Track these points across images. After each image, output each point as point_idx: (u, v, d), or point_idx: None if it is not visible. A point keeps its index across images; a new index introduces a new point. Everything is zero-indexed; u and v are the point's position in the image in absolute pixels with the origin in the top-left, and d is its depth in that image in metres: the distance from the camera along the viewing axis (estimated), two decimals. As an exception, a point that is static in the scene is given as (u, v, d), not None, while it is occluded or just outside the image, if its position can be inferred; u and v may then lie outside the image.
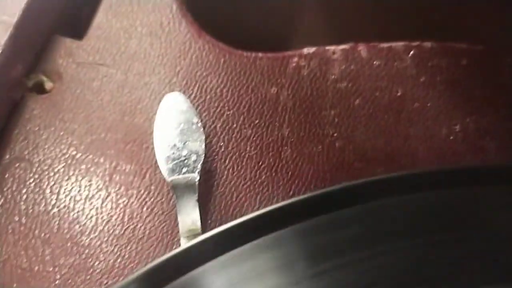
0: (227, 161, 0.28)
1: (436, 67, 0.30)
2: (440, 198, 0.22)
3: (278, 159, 0.28)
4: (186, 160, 0.25)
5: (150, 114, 0.28)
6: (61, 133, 0.28)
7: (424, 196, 0.22)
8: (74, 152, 0.28)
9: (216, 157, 0.28)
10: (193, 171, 0.25)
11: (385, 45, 0.31)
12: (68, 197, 0.27)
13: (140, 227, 0.26)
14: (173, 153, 0.25)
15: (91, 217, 0.26)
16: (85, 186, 0.27)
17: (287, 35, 0.49)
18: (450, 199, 0.22)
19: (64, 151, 0.28)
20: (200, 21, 0.31)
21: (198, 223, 0.24)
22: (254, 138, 0.28)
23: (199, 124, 0.26)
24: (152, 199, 0.26)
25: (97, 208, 0.26)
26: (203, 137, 0.26)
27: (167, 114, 0.26)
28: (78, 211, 0.26)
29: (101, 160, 0.27)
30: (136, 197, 0.26)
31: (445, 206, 0.22)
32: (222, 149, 0.28)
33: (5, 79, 0.28)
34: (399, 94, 0.29)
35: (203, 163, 0.26)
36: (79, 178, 0.27)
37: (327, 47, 0.30)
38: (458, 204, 0.22)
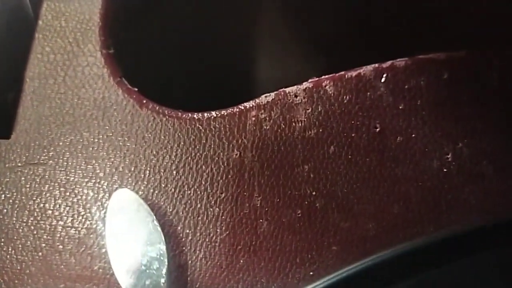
0: (197, 251, 0.24)
1: (415, 89, 0.26)
2: None
3: (255, 235, 0.24)
4: (148, 270, 0.22)
5: (99, 220, 0.25)
6: None
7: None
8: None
9: (183, 249, 0.24)
10: (157, 279, 0.22)
11: (352, 73, 0.27)
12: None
13: None
14: (132, 264, 0.22)
15: None
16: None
17: (240, 83, 0.46)
18: None
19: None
20: (137, 86, 0.27)
21: None
22: (223, 217, 0.25)
23: (155, 222, 0.23)
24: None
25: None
26: (161, 236, 0.23)
27: (117, 218, 0.23)
28: None
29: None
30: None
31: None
32: (190, 237, 0.24)
33: None
34: (378, 129, 0.26)
35: (168, 263, 0.22)
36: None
37: (288, 90, 0.27)
38: None
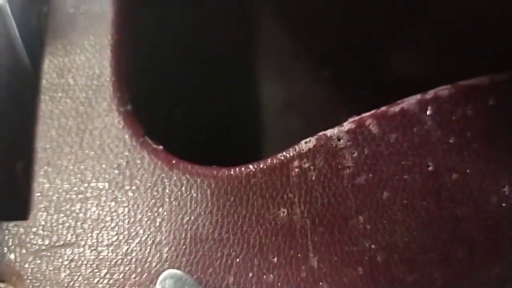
0: (256, 327, 0.22)
1: (463, 120, 0.25)
2: None
3: (316, 301, 0.22)
4: None
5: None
6: None
7: None
8: None
9: (241, 325, 0.22)
10: None
11: (395, 108, 0.25)
12: None
13: None
14: None
15: None
16: None
17: (246, 103, 0.43)
18: None
19: None
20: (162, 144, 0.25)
21: None
22: (280, 284, 0.22)
23: (212, 304, 0.21)
24: None
25: None
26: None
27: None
28: None
29: None
30: None
31: None
32: (246, 311, 0.22)
33: None
34: (431, 168, 0.24)
35: None
36: None
37: (329, 134, 0.24)
38: None
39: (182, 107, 0.39)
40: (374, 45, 0.43)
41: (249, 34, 0.45)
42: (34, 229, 0.24)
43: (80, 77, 0.25)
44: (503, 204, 0.24)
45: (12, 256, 0.23)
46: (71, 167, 0.24)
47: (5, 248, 0.24)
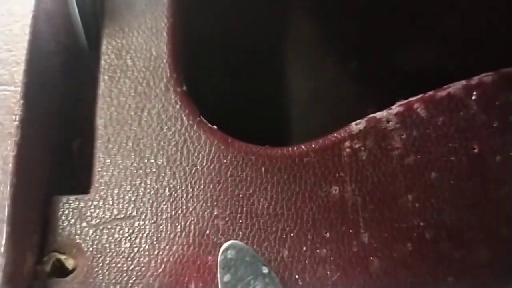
0: (311, 298, 0.23)
1: (506, 105, 0.26)
2: None
3: (367, 275, 0.23)
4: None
5: (207, 272, 0.23)
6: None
7: None
8: None
9: (297, 296, 0.23)
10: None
11: (442, 93, 0.26)
12: None
13: None
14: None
15: None
16: None
17: (277, 94, 0.44)
18: None
19: None
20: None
21: None
22: (332, 258, 0.23)
23: (272, 274, 0.21)
24: None
25: None
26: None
27: (230, 275, 0.21)
28: None
29: None
30: None
31: None
32: (300, 283, 0.23)
33: (19, 279, 0.22)
34: (476, 151, 0.25)
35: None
36: None
37: (378, 116, 0.25)
38: None
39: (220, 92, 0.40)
40: (400, 40, 0.44)
41: (281, 28, 0.46)
42: (95, 203, 0.24)
43: (138, 59, 0.26)
44: (545, 184, 0.25)
45: (72, 229, 0.24)
46: (131, 144, 0.25)
47: (65, 222, 0.24)
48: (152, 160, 0.25)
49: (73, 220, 0.25)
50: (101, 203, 0.25)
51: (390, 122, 0.25)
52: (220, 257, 0.22)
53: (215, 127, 0.26)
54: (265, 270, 0.22)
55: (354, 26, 0.46)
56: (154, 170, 0.25)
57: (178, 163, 0.25)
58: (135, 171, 0.25)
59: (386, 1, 0.44)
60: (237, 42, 0.42)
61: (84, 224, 0.24)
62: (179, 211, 0.24)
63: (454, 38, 0.43)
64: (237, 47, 0.42)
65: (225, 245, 0.22)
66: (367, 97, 0.48)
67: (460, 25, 0.42)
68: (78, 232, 0.24)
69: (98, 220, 0.24)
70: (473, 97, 0.26)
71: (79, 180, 0.26)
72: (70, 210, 0.25)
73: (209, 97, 0.40)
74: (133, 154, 0.25)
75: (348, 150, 0.25)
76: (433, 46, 0.44)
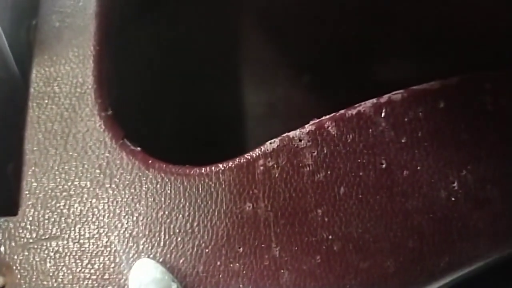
0: (222, 310, 0.24)
1: (414, 121, 0.27)
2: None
3: (278, 287, 0.24)
4: None
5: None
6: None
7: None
8: None
9: (209, 309, 0.24)
10: None
11: (352, 111, 0.27)
12: None
13: None
14: (162, 337, 0.22)
15: None
16: None
17: (229, 109, 0.45)
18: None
19: None
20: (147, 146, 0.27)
21: None
22: (245, 272, 0.25)
23: (180, 289, 0.23)
24: None
25: None
26: (190, 304, 0.23)
27: (141, 290, 0.22)
28: None
29: None
30: None
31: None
32: (213, 297, 0.24)
33: None
34: (384, 165, 0.26)
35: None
36: None
37: (291, 135, 0.27)
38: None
39: (167, 112, 0.41)
40: (353, 53, 0.45)
41: (232, 41, 0.47)
42: (22, 224, 0.26)
43: (65, 85, 0.28)
44: (452, 198, 0.26)
45: (2, 249, 0.26)
46: (56, 167, 0.27)
47: (-3, 242, 0.26)
48: (77, 182, 0.26)
49: (3, 240, 0.26)
50: (28, 224, 0.26)
51: (302, 141, 0.27)
52: (130, 276, 0.23)
53: (138, 148, 0.27)
54: (173, 286, 0.23)
55: (306, 39, 0.47)
56: (78, 192, 0.26)
57: (101, 184, 0.26)
58: (60, 193, 0.26)
59: (337, 13, 0.46)
60: (186, 59, 0.44)
61: (13, 243, 0.26)
62: (101, 231, 0.26)
63: (408, 51, 0.44)
64: (187, 64, 0.43)
65: (136, 263, 0.24)
66: (321, 109, 0.50)
67: (414, 38, 0.43)
68: (8, 251, 0.26)
69: (25, 240, 0.26)
70: (382, 115, 0.27)
71: (14, 201, 0.27)
72: (0, 230, 0.26)
73: (159, 116, 0.41)
74: (58, 177, 0.27)
75: (261, 168, 0.26)
76: (387, 58, 0.46)
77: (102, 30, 0.28)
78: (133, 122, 0.30)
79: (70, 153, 0.27)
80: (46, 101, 0.28)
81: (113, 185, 0.26)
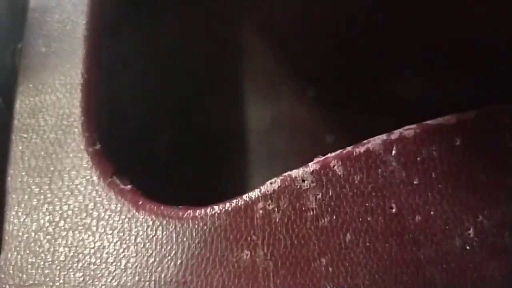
0: None
1: (428, 160, 0.24)
2: None
3: None
4: None
5: None
6: None
7: None
8: None
9: None
10: None
11: (360, 149, 0.25)
12: None
13: None
14: None
15: None
16: None
17: (231, 124, 0.43)
18: None
19: None
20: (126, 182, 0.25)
21: None
22: (241, 326, 0.22)
23: None
24: None
25: None
26: None
27: None
28: None
29: None
30: None
31: None
32: None
33: None
34: (394, 210, 0.24)
35: None
36: None
37: (294, 174, 0.24)
38: None
39: (163, 132, 0.39)
40: (360, 67, 0.43)
41: (234, 53, 0.45)
42: (5, 269, 0.24)
43: (50, 117, 0.25)
44: (467, 247, 0.24)
45: (-18, 297, 0.24)
46: (40, 208, 0.25)
47: (-23, 286, 0.24)
48: (62, 225, 0.24)
49: (-16, 285, 0.24)
50: (10, 269, 0.24)
51: (305, 181, 0.24)
52: (117, 334, 0.21)
53: (128, 186, 0.25)
54: None
55: (312, 51, 0.45)
56: (63, 235, 0.24)
57: (87, 227, 0.24)
58: (44, 237, 0.24)
59: (346, 24, 0.43)
60: (182, 77, 0.42)
61: (-7, 290, 0.24)
62: (87, 278, 0.24)
63: (419, 69, 0.42)
64: (183, 83, 0.41)
65: (123, 320, 0.22)
66: (326, 124, 0.47)
67: (426, 56, 0.41)
68: (-12, 298, 0.24)
69: (7, 286, 0.24)
70: (393, 153, 0.25)
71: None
72: (-19, 275, 0.24)
73: (162, 134, 0.39)
74: (42, 219, 0.24)
75: (261, 211, 0.24)
76: (397, 72, 0.43)
77: (91, 56, 0.26)
78: (125, 148, 0.28)
79: (55, 192, 0.25)
80: (31, 135, 0.26)
81: (100, 229, 0.24)
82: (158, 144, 0.36)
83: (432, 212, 0.24)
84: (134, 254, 0.24)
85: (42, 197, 0.25)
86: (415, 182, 0.25)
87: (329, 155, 0.25)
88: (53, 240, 0.24)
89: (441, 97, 0.42)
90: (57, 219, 0.24)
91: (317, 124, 0.45)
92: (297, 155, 0.48)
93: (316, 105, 0.46)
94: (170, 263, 0.24)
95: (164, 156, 0.38)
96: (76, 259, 0.24)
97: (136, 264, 0.24)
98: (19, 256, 0.24)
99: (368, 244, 0.24)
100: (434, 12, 0.38)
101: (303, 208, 0.24)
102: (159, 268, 0.24)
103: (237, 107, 0.45)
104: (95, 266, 0.24)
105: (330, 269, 0.24)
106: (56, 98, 0.26)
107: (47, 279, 0.24)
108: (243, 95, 0.45)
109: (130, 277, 0.23)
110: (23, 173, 0.25)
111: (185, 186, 0.38)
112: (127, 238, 0.24)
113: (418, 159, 0.25)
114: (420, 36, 0.40)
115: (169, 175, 0.36)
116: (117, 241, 0.24)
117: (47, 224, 0.24)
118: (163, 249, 0.24)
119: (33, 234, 0.24)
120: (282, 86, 0.46)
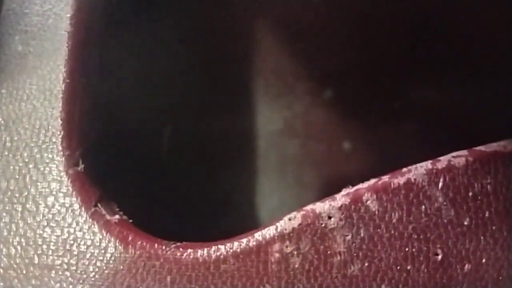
0: None
1: (481, 196, 0.20)
2: None
3: None
4: None
5: None
6: None
7: None
8: None
9: None
10: None
11: (399, 180, 0.20)
12: None
13: None
14: None
15: None
16: None
17: (244, 125, 0.39)
18: None
19: None
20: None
21: None
22: None
23: None
24: None
25: None
26: None
27: None
28: None
29: None
30: None
31: None
32: None
33: None
34: (439, 257, 0.19)
35: None
36: None
37: (318, 209, 0.20)
38: None
39: (163, 134, 0.35)
40: (383, 70, 0.38)
41: (245, 50, 0.40)
42: (-34, 315, 0.20)
43: (25, 131, 0.21)
44: (523, 301, 0.19)
45: None
46: (11, 240, 0.20)
47: None
48: (36, 262, 0.20)
49: None
50: (-28, 316, 0.20)
51: (332, 219, 0.20)
52: None
53: (116, 217, 0.20)
54: None
55: (330, 49, 0.40)
56: (38, 274, 0.20)
57: (65, 268, 0.20)
58: (15, 275, 0.20)
59: (367, 29, 0.38)
60: (192, 74, 0.37)
61: None
62: (66, 329, 0.19)
63: (441, 75, 0.37)
64: (200, 78, 0.37)
65: None
66: (343, 130, 0.43)
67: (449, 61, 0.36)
68: None
69: None
70: (440, 186, 0.20)
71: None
72: None
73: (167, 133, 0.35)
74: (14, 253, 0.20)
75: (277, 255, 0.19)
76: (424, 78, 0.39)
77: (76, 57, 0.21)
78: (114, 165, 0.23)
79: (29, 222, 0.20)
80: (1, 151, 0.21)
81: (80, 269, 0.20)
82: (156, 155, 0.31)
83: (484, 260, 0.20)
84: (124, 302, 0.19)
85: (13, 227, 0.20)
86: (465, 223, 0.20)
87: (360, 185, 0.20)
88: (25, 280, 0.20)
89: (466, 106, 0.38)
90: (31, 254, 0.20)
91: (333, 129, 0.40)
92: (310, 163, 0.43)
93: (333, 108, 0.41)
94: (166, 314, 0.19)
95: (163, 163, 0.33)
96: (55, 304, 0.19)
97: (126, 314, 0.19)
98: (-16, 298, 0.20)
99: (407, 298, 0.19)
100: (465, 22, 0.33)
101: (329, 252, 0.19)
102: (153, 321, 0.19)
103: (247, 109, 0.40)
104: (76, 315, 0.19)
105: (360, 329, 0.19)
106: (32, 107, 0.21)
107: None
108: (253, 96, 0.40)
109: (116, 331, 0.19)
110: (-8, 199, 0.20)
111: (187, 196, 0.33)
112: (112, 282, 0.19)
113: (470, 194, 0.20)
114: (449, 43, 0.35)
115: (168, 187, 0.32)
116: (101, 285, 0.19)
117: (18, 260, 0.20)
118: (157, 296, 0.19)
119: (1, 270, 0.20)
120: (296, 86, 0.41)
